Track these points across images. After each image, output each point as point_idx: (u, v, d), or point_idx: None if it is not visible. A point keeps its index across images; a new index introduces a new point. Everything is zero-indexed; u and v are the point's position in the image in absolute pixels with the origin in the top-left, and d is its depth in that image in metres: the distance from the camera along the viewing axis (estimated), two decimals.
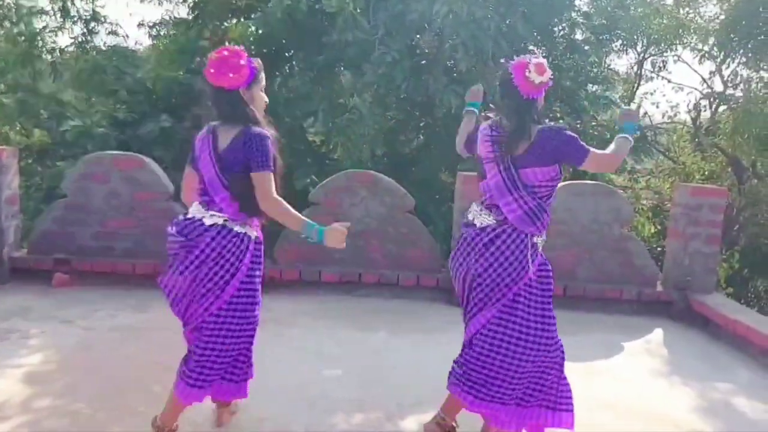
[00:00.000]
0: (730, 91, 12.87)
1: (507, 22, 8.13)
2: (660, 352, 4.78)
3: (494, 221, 2.86)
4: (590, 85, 10.78)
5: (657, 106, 15.74)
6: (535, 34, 9.26)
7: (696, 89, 15.85)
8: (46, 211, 5.71)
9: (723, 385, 4.11)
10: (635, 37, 12.29)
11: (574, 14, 10.38)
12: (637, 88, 14.58)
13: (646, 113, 14.91)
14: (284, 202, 2.69)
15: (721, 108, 13.14)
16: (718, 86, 13.77)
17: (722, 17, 11.00)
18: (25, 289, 5.11)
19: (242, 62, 2.68)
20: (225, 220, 2.71)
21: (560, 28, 10.30)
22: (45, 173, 8.36)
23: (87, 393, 3.33)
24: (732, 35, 10.47)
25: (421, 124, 9.17)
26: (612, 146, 2.97)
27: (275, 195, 2.67)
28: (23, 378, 3.49)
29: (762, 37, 10.17)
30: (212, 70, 2.67)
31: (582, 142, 2.84)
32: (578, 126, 10.00)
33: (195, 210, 2.77)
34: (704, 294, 5.58)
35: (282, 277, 5.56)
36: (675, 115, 15.33)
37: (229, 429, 3.06)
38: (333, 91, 9.08)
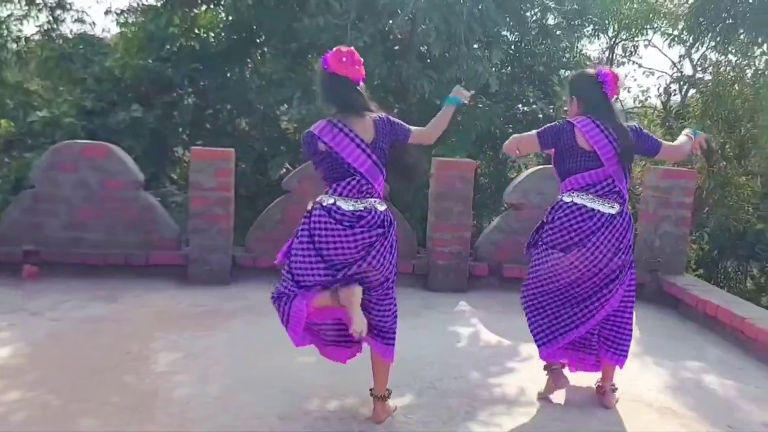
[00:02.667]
0: (699, 75, 13.03)
1: (479, 6, 8.13)
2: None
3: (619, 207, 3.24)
4: (562, 70, 10.84)
5: (628, 91, 15.83)
6: (508, 18, 9.27)
7: (666, 73, 16.03)
8: (14, 203, 5.57)
9: (694, 363, 4.18)
10: (606, 22, 12.36)
11: None
12: None
13: (617, 98, 14.99)
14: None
15: (691, 92, 13.30)
16: (688, 70, 13.94)
17: (691, 1, 11.10)
18: None
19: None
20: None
21: (532, 13, 10.33)
22: (12, 164, 8.18)
23: (57, 385, 3.27)
24: (701, 19, 10.57)
25: (395, 110, 9.16)
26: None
27: None
28: None
29: (730, 20, 10.29)
30: (344, 60, 2.95)
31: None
32: (551, 111, 10.05)
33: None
34: (675, 275, 5.67)
35: (255, 264, 5.52)
36: (646, 99, 15.50)
37: (207, 418, 3.04)
38: (307, 77, 9.02)
